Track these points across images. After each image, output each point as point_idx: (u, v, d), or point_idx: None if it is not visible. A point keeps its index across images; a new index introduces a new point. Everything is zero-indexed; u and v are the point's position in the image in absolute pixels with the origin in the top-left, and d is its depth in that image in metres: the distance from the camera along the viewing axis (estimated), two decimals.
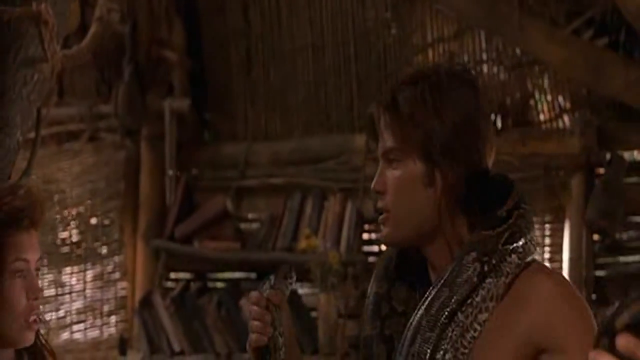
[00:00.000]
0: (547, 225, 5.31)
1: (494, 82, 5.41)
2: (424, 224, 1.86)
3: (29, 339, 2.13)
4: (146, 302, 5.78)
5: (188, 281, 5.84)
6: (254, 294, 1.97)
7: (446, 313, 1.80)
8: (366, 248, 5.53)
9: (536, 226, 5.19)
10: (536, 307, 1.79)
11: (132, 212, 6.05)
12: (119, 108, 5.86)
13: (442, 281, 1.82)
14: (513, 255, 1.83)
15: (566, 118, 5.36)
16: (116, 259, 6.10)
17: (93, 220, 6.14)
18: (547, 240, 5.30)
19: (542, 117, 5.42)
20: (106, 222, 6.13)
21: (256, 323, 1.94)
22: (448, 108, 1.85)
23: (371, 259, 5.36)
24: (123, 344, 5.90)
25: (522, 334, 1.79)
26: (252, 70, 6.02)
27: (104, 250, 6.12)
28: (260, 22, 5.97)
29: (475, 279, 1.81)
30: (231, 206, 5.80)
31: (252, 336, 1.94)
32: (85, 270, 6.13)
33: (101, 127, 6.14)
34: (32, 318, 2.11)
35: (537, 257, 1.90)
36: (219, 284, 5.90)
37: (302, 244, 5.37)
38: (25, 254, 2.11)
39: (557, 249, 5.24)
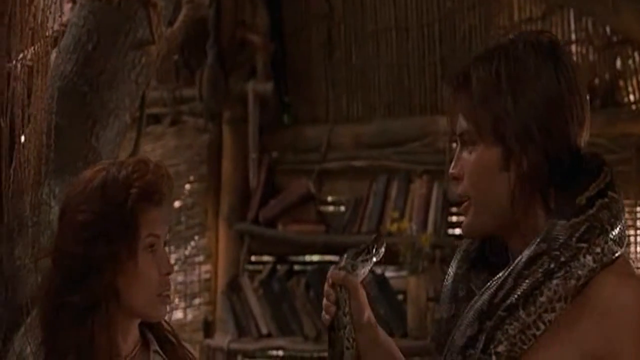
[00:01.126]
0: (639, 208, 5.21)
1: (583, 62, 5.32)
2: (501, 212, 1.75)
3: (162, 313, 2.14)
4: (233, 285, 5.80)
5: (274, 264, 5.84)
6: (329, 272, 1.98)
7: (506, 306, 1.69)
8: (453, 231, 5.48)
9: (627, 209, 5.14)
10: (605, 318, 1.67)
11: (214, 195, 6.07)
12: (203, 91, 5.87)
13: (509, 270, 1.72)
14: (588, 257, 1.69)
15: None
16: (199, 242, 6.13)
17: (175, 204, 6.17)
18: None
19: (632, 97, 5.32)
20: (189, 205, 6.15)
21: (324, 301, 1.96)
22: (525, 86, 1.72)
23: (458, 241, 5.31)
24: (208, 327, 5.93)
25: (585, 344, 1.67)
26: (333, 52, 5.99)
27: (187, 233, 6.14)
28: (342, 3, 5.93)
29: (539, 276, 1.68)
30: (313, 189, 5.80)
31: (323, 313, 1.97)
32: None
33: (183, 111, 6.15)
34: (165, 293, 2.11)
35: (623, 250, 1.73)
36: (303, 267, 5.89)
37: (392, 226, 5.34)
38: (156, 229, 2.09)
39: None
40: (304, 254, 5.91)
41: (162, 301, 2.11)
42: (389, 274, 5.48)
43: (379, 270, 5.49)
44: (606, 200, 1.71)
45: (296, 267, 5.87)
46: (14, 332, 2.53)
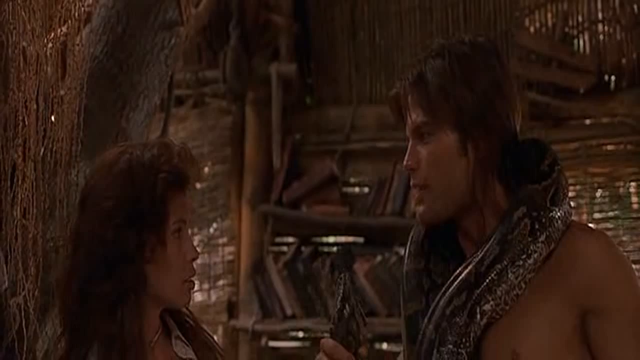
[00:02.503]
0: None
1: (610, 42, 5.28)
2: (461, 195, 1.87)
3: (187, 299, 2.09)
4: (258, 266, 5.80)
5: (298, 245, 5.84)
6: (329, 344, 1.88)
7: (497, 270, 1.82)
8: None
9: None
10: (581, 268, 1.82)
11: (238, 177, 6.07)
12: (226, 73, 5.85)
13: (491, 239, 1.84)
14: (559, 222, 1.85)
15: None
16: (222, 223, 6.12)
17: (198, 185, 6.15)
18: None
19: None
20: (212, 187, 6.15)
21: None
22: (477, 78, 1.87)
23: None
24: (232, 308, 5.94)
25: (567, 295, 1.82)
26: (357, 33, 5.97)
27: (210, 215, 6.14)
28: None
29: (528, 238, 1.82)
30: (337, 170, 5.79)
31: None
32: (192, 235, 6.16)
33: (206, 92, 6.14)
34: (190, 279, 2.07)
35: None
36: (328, 248, 5.89)
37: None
38: (183, 215, 2.05)
39: None
40: (328, 235, 5.90)
41: (187, 288, 2.07)
42: None
43: (402, 252, 5.47)
44: (559, 167, 1.90)
45: (320, 249, 5.87)
46: (47, 314, 2.53)
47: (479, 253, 1.84)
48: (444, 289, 1.86)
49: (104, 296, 2.00)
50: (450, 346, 1.83)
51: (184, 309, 2.16)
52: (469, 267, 1.84)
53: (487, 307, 1.82)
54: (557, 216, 1.85)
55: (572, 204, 1.90)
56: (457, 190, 1.87)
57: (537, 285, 1.84)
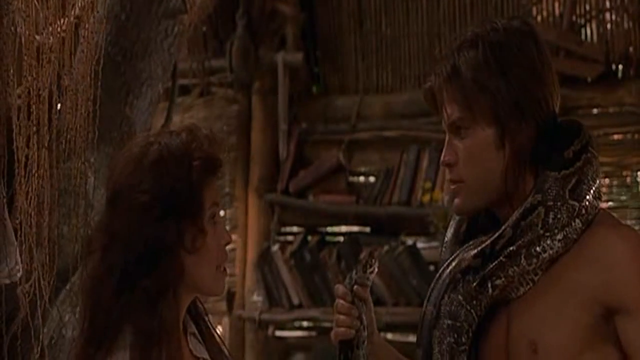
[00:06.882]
0: None
1: (618, 31, 5.25)
2: (495, 188, 1.85)
3: (221, 287, 2.02)
4: (264, 256, 5.80)
5: (305, 235, 5.83)
6: (340, 289, 2.03)
7: (508, 252, 1.81)
8: None
9: None
10: (605, 266, 1.79)
11: (244, 166, 6.06)
12: (233, 62, 5.85)
13: (507, 222, 1.83)
14: (577, 220, 1.81)
15: None
16: (227, 212, 6.12)
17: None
18: None
19: None
20: (218, 175, 6.13)
21: (343, 317, 2.00)
22: (512, 66, 1.83)
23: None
24: (231, 298, 5.93)
25: (588, 293, 1.79)
26: (363, 22, 5.95)
27: None
28: None
29: (540, 230, 1.80)
30: (344, 160, 5.78)
31: (339, 329, 2.00)
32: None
33: (212, 82, 6.13)
34: (224, 265, 2.01)
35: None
36: (334, 238, 5.88)
37: (423, 197, 5.32)
38: (216, 198, 2.00)
39: None
40: (334, 224, 5.90)
41: (222, 274, 2.00)
42: (420, 245, 5.46)
43: (410, 242, 5.48)
44: (589, 155, 1.85)
45: (327, 238, 5.86)
46: (53, 302, 2.54)
47: (496, 233, 1.85)
48: (465, 246, 1.89)
49: (144, 291, 1.94)
50: (460, 297, 1.84)
51: (200, 306, 2.09)
52: (487, 242, 1.85)
53: (498, 282, 1.83)
54: (575, 213, 1.81)
55: (599, 194, 1.85)
56: (492, 184, 1.85)
57: (556, 277, 1.82)
